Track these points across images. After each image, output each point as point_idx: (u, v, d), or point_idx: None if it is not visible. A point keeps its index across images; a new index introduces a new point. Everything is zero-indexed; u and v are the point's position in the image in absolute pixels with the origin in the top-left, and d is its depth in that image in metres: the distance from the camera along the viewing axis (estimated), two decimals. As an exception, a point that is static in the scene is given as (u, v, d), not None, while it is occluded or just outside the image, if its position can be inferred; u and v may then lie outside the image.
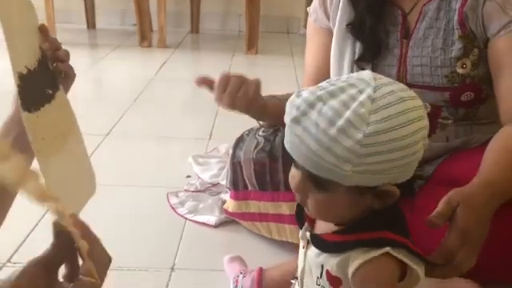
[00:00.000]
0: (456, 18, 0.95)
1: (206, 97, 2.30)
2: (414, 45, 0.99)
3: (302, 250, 0.69)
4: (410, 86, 0.99)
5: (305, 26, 3.75)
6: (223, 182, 1.34)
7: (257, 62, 2.97)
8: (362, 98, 0.56)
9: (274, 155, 1.12)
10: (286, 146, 0.61)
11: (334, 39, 1.07)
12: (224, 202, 1.28)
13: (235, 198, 1.21)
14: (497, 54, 0.93)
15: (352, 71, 1.04)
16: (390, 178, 0.58)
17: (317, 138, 0.56)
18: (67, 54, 0.73)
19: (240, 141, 1.22)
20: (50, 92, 0.68)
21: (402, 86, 0.61)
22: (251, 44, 3.06)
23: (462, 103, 0.99)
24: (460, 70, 0.96)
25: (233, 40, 3.40)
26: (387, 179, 0.58)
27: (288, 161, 1.12)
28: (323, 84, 0.60)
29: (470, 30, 0.94)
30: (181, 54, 3.06)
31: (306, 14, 1.19)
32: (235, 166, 1.19)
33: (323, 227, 0.67)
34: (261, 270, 1.01)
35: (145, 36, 3.11)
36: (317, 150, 0.56)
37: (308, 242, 0.68)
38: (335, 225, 0.65)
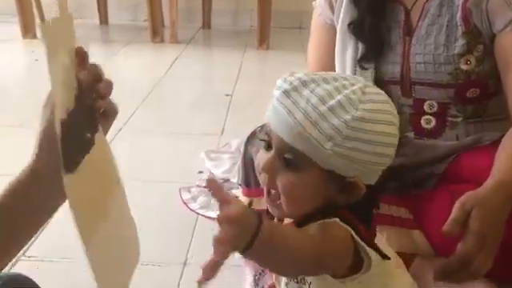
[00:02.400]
0: (459, 13, 0.93)
1: (218, 92, 2.32)
2: (416, 42, 0.98)
3: None
4: (415, 83, 0.98)
5: (317, 21, 3.74)
6: (234, 180, 1.34)
7: (268, 57, 2.96)
8: (354, 87, 0.60)
9: None
10: (268, 118, 0.62)
11: (337, 37, 1.07)
12: (236, 197, 1.29)
13: (247, 194, 1.21)
14: (504, 50, 0.92)
15: (355, 70, 1.03)
16: (360, 172, 0.60)
17: (306, 111, 0.58)
18: (109, 86, 0.57)
19: (252, 137, 1.22)
20: (89, 136, 0.55)
21: (384, 93, 0.64)
22: (263, 39, 3.05)
23: (468, 100, 0.97)
24: (464, 67, 0.95)
25: (244, 35, 3.40)
26: (358, 172, 0.60)
27: None
28: (317, 73, 0.63)
29: (474, 26, 0.93)
30: (192, 49, 3.06)
31: (317, 8, 1.19)
32: (247, 163, 1.19)
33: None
34: None
35: (157, 31, 3.12)
36: (303, 122, 0.58)
37: None
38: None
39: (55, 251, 1.07)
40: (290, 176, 0.61)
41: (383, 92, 0.63)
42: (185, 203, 1.32)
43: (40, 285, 0.74)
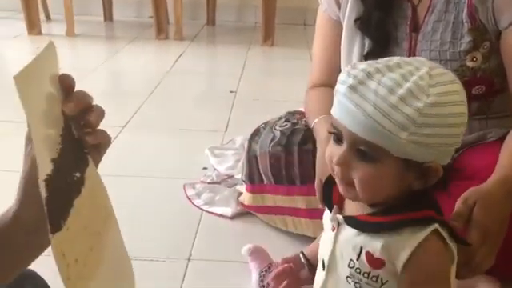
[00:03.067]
0: (465, 10, 0.93)
1: (221, 89, 2.32)
2: (422, 38, 0.98)
3: (330, 234, 0.68)
4: None
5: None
6: (238, 176, 1.35)
7: (272, 54, 2.96)
8: (420, 73, 0.59)
9: (289, 149, 1.12)
10: (336, 115, 0.62)
11: (343, 34, 1.06)
12: (240, 193, 1.29)
13: (251, 191, 1.21)
14: (509, 47, 0.92)
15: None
16: (436, 156, 0.60)
17: (376, 104, 0.57)
18: (99, 115, 0.49)
19: (256, 134, 1.23)
20: (79, 175, 0.48)
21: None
22: (267, 36, 3.05)
23: (474, 97, 0.97)
24: (470, 64, 0.95)
25: (249, 32, 3.40)
26: (434, 156, 0.60)
27: (303, 155, 1.14)
28: (379, 60, 0.62)
29: (480, 23, 0.93)
30: (197, 46, 3.06)
31: (321, 5, 1.18)
32: (251, 160, 1.19)
33: (354, 209, 0.67)
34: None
35: (161, 28, 3.12)
36: (375, 115, 0.57)
37: (339, 225, 0.67)
38: (369, 206, 0.65)
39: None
40: (366, 168, 0.61)
41: (447, 70, 0.63)
42: (189, 199, 1.33)
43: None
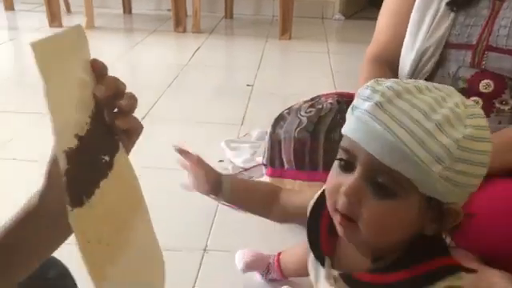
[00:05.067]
0: None
1: (238, 82, 2.32)
2: (507, 6, 0.97)
3: None
4: (491, 48, 0.96)
5: (340, 11, 3.70)
6: (259, 159, 1.34)
7: (290, 47, 2.95)
8: (454, 100, 0.50)
9: (316, 136, 1.12)
10: (352, 134, 0.51)
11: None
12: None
13: (271, 174, 1.21)
14: None
15: (428, 32, 1.02)
16: (459, 197, 0.52)
17: (410, 128, 0.48)
18: (132, 101, 0.49)
19: (281, 119, 1.23)
20: (107, 159, 0.48)
21: None
22: (285, 29, 3.04)
23: None
24: None
25: (267, 25, 3.39)
26: (458, 197, 0.51)
27: (329, 144, 1.14)
28: (402, 80, 0.53)
29: None
30: (215, 39, 3.07)
31: (341, -1, 1.18)
32: (274, 144, 1.20)
33: (348, 260, 0.57)
34: (278, 256, 1.04)
35: (179, 21, 3.14)
36: (407, 140, 0.48)
37: (336, 282, 0.57)
38: (372, 260, 0.55)
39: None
40: (382, 205, 0.50)
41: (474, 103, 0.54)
42: (205, 191, 1.34)
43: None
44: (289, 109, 1.25)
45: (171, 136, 1.70)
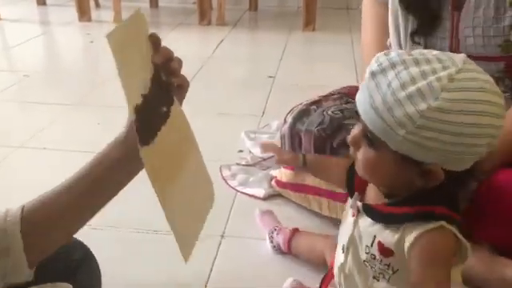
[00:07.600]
0: None
1: (261, 74, 2.35)
2: (465, 16, 0.98)
3: (351, 219, 0.71)
4: None
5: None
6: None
7: (314, 38, 2.96)
8: (442, 73, 0.56)
9: (332, 140, 1.14)
10: (357, 96, 0.62)
11: (389, 14, 1.07)
12: (273, 177, 1.33)
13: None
14: None
15: (406, 46, 1.04)
16: (439, 160, 0.58)
17: (384, 96, 0.57)
18: (180, 63, 0.63)
19: (304, 114, 1.23)
20: (165, 109, 0.62)
21: (490, 79, 0.60)
22: (309, 21, 3.05)
23: None
24: None
25: (291, 17, 3.40)
26: (436, 159, 0.58)
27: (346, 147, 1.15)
28: (415, 51, 0.60)
29: None
30: (238, 31, 3.10)
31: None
32: (294, 137, 1.21)
33: (373, 197, 0.69)
34: (295, 231, 1.07)
35: (204, 14, 3.19)
36: (379, 106, 0.58)
37: (359, 211, 0.69)
38: (385, 197, 0.67)
39: (103, 220, 1.16)
40: (368, 153, 0.63)
41: (483, 75, 0.59)
42: (224, 180, 1.39)
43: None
44: (317, 104, 1.26)
45: (194, 127, 1.75)
